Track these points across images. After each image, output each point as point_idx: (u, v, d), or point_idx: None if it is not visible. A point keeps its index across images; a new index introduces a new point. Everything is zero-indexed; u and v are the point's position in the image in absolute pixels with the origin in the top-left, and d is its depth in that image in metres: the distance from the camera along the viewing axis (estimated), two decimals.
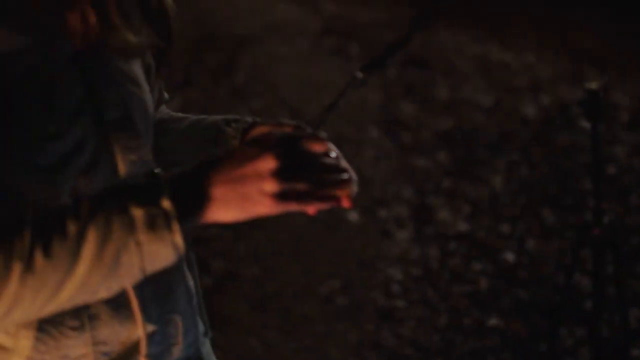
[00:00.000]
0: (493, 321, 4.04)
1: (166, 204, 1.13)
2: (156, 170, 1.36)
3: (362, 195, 5.14)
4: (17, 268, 1.10)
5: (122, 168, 1.32)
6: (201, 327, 1.54)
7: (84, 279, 1.12)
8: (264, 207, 1.15)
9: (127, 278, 1.15)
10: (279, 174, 1.14)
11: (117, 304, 1.33)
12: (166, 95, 1.68)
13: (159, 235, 1.13)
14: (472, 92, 6.85)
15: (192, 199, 1.15)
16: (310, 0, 10.00)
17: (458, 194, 5.23)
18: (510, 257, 4.56)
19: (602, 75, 7.13)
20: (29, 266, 1.10)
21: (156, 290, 1.38)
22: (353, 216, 4.96)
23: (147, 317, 1.36)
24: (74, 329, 1.30)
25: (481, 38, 8.55)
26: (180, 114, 1.68)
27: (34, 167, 1.22)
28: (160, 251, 1.14)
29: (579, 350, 3.82)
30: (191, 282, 1.51)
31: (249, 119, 1.55)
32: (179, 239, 1.14)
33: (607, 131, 5.99)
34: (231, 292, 4.25)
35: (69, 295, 1.13)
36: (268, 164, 1.14)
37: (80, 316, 1.30)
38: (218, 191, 1.15)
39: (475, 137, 5.97)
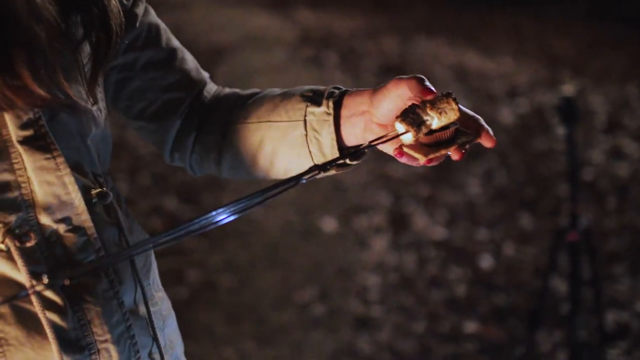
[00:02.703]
0: (470, 327, 4.02)
1: None
2: (97, 190, 1.31)
3: (338, 203, 5.15)
4: None
5: (38, 190, 1.23)
6: (157, 356, 1.39)
7: None
8: None
9: None
10: None
11: (28, 329, 1.23)
12: (204, 73, 1.57)
13: None
14: None
15: None
16: (287, 10, 10.00)
17: (435, 201, 5.21)
18: (487, 262, 4.55)
19: (578, 81, 7.15)
20: None
21: (80, 318, 1.25)
22: (329, 224, 4.94)
23: (65, 347, 1.23)
24: None
25: (458, 45, 8.56)
26: (245, 92, 1.56)
27: None
28: None
29: (556, 353, 3.80)
30: (141, 309, 1.36)
31: (335, 90, 1.42)
32: None
33: (584, 136, 6.00)
34: (207, 302, 4.21)
35: None
36: None
37: None
38: None
39: None
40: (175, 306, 1.51)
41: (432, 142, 1.24)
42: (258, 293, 4.29)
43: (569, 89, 3.45)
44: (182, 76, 1.54)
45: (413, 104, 1.24)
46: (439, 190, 5.33)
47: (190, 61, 1.57)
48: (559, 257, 3.59)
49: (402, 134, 1.24)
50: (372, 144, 1.27)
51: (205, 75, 1.59)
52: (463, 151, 1.25)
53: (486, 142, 1.27)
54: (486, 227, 4.92)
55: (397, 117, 1.23)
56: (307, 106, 1.42)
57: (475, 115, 1.28)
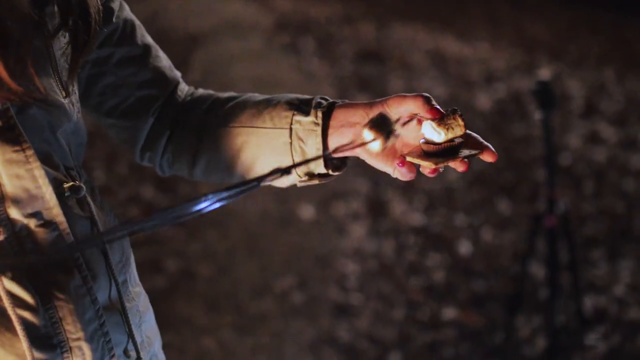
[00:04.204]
0: (450, 313, 4.03)
1: None
2: (69, 184, 1.29)
3: (316, 190, 5.14)
4: None
5: (7, 184, 1.20)
6: (133, 353, 1.37)
7: None
8: None
9: None
10: None
11: None
12: (177, 72, 1.56)
13: None
14: (427, 85, 6.84)
15: None
16: None
17: (413, 187, 5.21)
18: (465, 248, 4.55)
19: (554, 65, 7.16)
20: None
21: (51, 315, 1.23)
22: (307, 212, 4.93)
23: (36, 344, 1.22)
24: None
25: (435, 31, 8.55)
26: (223, 95, 1.53)
27: None
28: None
29: (535, 338, 3.82)
30: (116, 306, 1.34)
31: (323, 100, 1.42)
32: None
33: (560, 121, 6.01)
34: (186, 291, 4.20)
35: None
36: None
37: None
38: None
39: None
40: (154, 296, 1.50)
41: (439, 151, 1.29)
42: (237, 282, 4.28)
43: (545, 73, 3.46)
44: (156, 73, 1.52)
45: (381, 112, 1.24)
46: (416, 176, 5.32)
47: (164, 59, 1.55)
48: (537, 242, 3.60)
49: (369, 142, 1.23)
50: (340, 150, 1.27)
51: (178, 74, 1.57)
52: (467, 163, 1.30)
53: (488, 157, 1.33)
54: (464, 213, 4.93)
55: (364, 125, 1.22)
56: (293, 114, 1.41)
57: (476, 135, 1.34)
